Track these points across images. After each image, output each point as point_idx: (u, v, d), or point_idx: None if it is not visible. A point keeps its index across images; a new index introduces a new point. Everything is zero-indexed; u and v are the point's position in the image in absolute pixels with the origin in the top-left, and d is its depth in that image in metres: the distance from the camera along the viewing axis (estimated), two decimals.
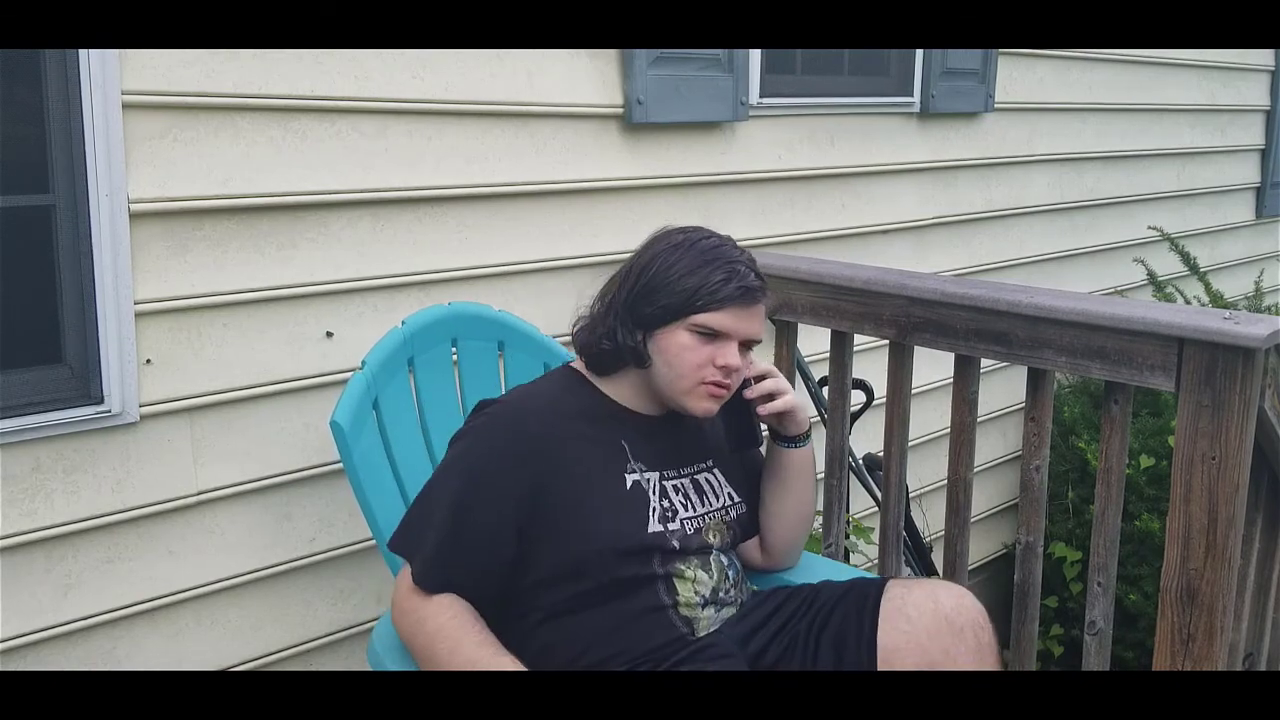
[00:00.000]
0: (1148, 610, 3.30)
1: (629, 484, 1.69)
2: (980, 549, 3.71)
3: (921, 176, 3.36)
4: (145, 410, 1.93)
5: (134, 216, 1.87)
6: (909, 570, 3.07)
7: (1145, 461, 3.45)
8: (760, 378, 1.78)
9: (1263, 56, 4.82)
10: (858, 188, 3.16)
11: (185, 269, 1.95)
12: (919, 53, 3.25)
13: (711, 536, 1.74)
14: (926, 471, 3.32)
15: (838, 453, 2.44)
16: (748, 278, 1.69)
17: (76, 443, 1.87)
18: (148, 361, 1.92)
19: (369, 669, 1.74)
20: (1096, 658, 2.08)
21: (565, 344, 2.32)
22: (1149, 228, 4.19)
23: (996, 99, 3.49)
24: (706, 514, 1.75)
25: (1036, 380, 2.10)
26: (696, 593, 1.68)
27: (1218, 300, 4.02)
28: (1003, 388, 3.38)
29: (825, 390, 2.57)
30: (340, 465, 1.88)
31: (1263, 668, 2.67)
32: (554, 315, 2.45)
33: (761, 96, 2.81)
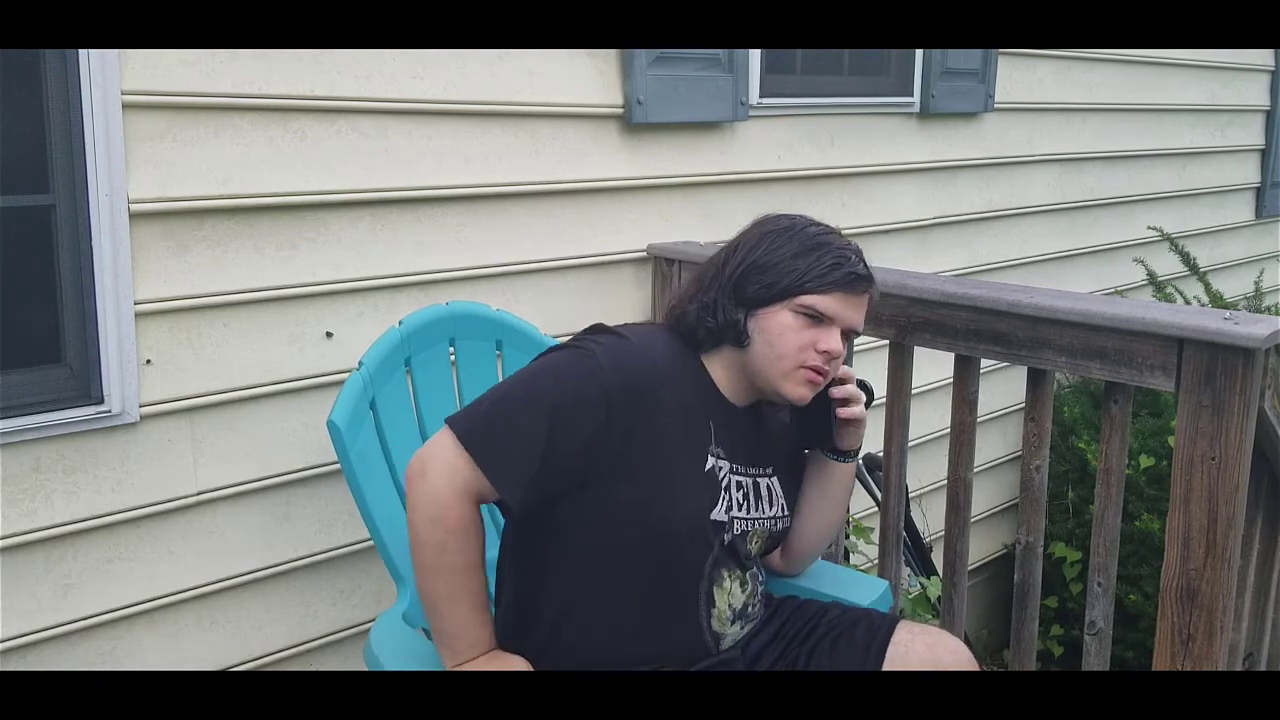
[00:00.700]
0: (1148, 610, 3.30)
1: (709, 465, 1.65)
2: (980, 549, 3.71)
3: (921, 176, 3.36)
4: (145, 410, 1.93)
5: (134, 216, 1.87)
6: (908, 570, 3.07)
7: (1145, 461, 3.45)
8: (843, 381, 1.76)
9: (1262, 56, 4.82)
10: (858, 188, 3.16)
11: (185, 269, 1.95)
12: (919, 53, 3.25)
13: (753, 543, 1.73)
14: (926, 471, 3.32)
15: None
16: (857, 265, 1.67)
17: (76, 443, 1.87)
18: (148, 362, 1.92)
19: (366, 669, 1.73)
20: (1096, 658, 2.08)
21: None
22: (1149, 228, 4.19)
23: (996, 99, 3.49)
24: (758, 520, 1.73)
25: (1036, 380, 2.10)
26: (730, 606, 1.68)
27: (1217, 300, 4.02)
28: (1003, 388, 3.38)
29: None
30: (340, 465, 1.88)
31: (1263, 668, 2.67)
32: (554, 315, 2.45)
33: (761, 96, 2.81)
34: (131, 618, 1.98)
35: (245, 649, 2.13)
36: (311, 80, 2.05)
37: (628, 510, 1.58)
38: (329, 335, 2.14)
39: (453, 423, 1.58)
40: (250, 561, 2.11)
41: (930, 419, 3.21)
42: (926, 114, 3.30)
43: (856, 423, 1.80)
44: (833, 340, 1.65)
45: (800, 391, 1.67)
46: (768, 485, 1.76)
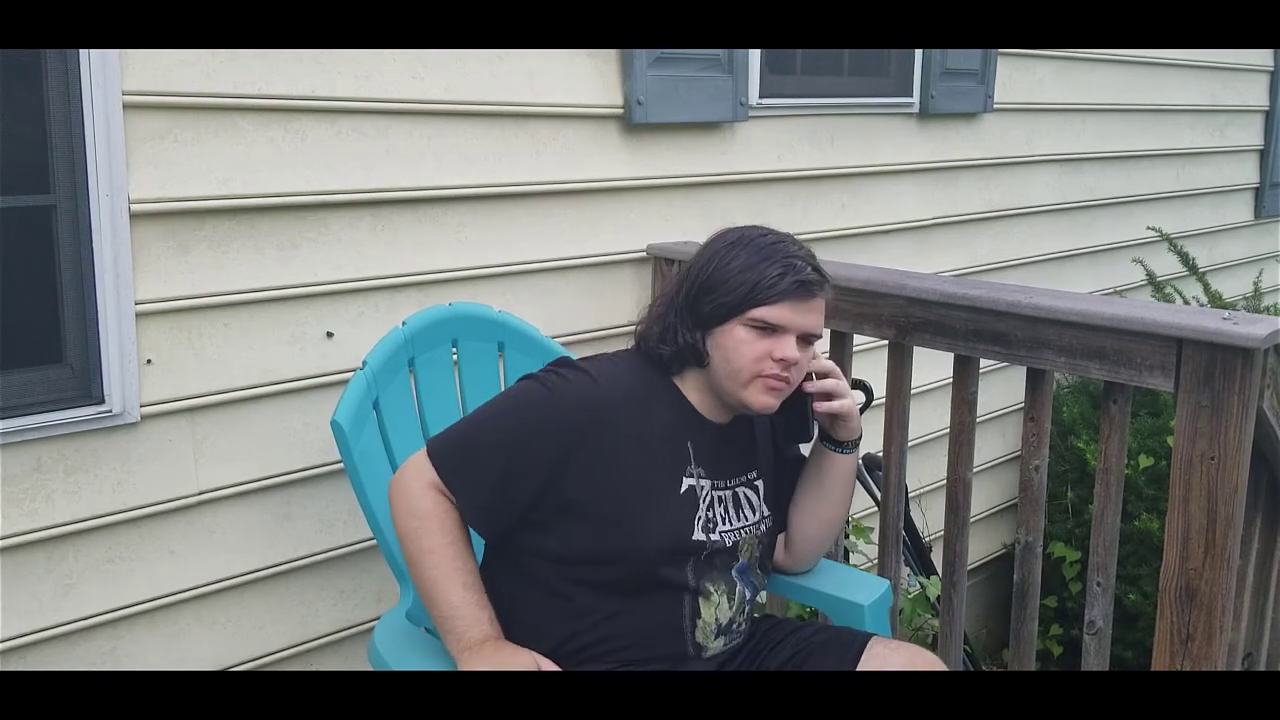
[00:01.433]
0: (1147, 610, 3.30)
1: (684, 488, 1.69)
2: (980, 549, 3.71)
3: (921, 177, 3.36)
4: (146, 410, 1.93)
5: (134, 216, 1.87)
6: (908, 570, 3.07)
7: (1144, 461, 3.45)
8: (823, 375, 1.77)
9: (1262, 57, 4.82)
10: (858, 188, 3.17)
11: (186, 269, 1.95)
12: (918, 53, 3.25)
13: (745, 552, 1.75)
14: (926, 471, 3.32)
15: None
16: (804, 271, 1.67)
17: (77, 443, 1.87)
18: (148, 361, 1.92)
19: (370, 669, 1.74)
20: (1096, 657, 2.08)
21: (565, 345, 2.33)
22: (1148, 228, 4.20)
23: (996, 99, 3.49)
24: (742, 528, 1.75)
25: (1035, 380, 2.10)
26: (716, 619, 1.70)
27: (1216, 300, 4.02)
28: (1002, 388, 3.38)
29: None
30: (341, 465, 1.88)
31: (1262, 667, 2.68)
32: (554, 316, 2.45)
33: (761, 97, 2.82)
34: (132, 618, 1.98)
35: (247, 649, 2.13)
36: (312, 81, 2.05)
37: (596, 539, 1.63)
38: (330, 335, 2.14)
39: (428, 447, 1.69)
40: (251, 561, 2.11)
41: (930, 419, 3.21)
42: (926, 114, 3.30)
43: (844, 416, 1.81)
44: (787, 348, 1.67)
45: (764, 400, 1.69)
46: (745, 493, 1.78)
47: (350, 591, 2.24)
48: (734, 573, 1.73)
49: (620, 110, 2.54)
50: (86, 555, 1.92)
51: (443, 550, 1.61)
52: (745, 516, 1.76)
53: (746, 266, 1.67)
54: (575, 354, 2.27)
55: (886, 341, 2.29)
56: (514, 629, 1.65)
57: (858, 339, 2.41)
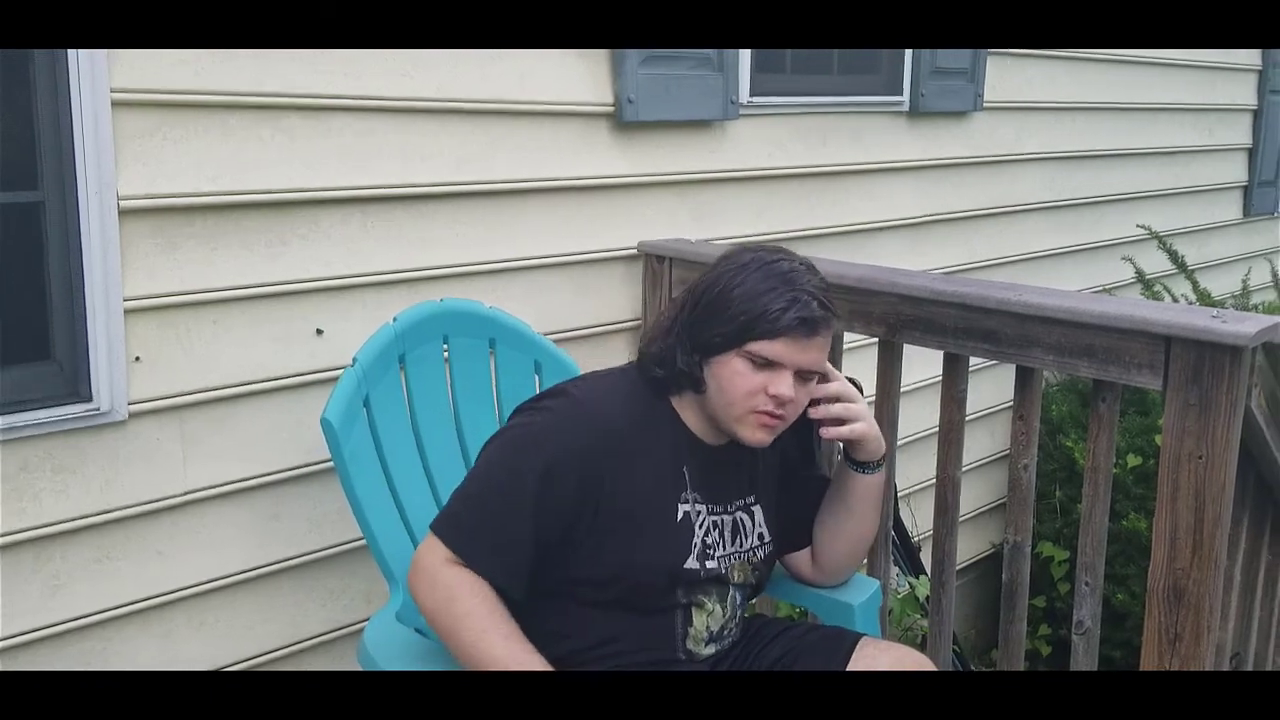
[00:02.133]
0: (1135, 609, 3.31)
1: (679, 515, 1.67)
2: (968, 548, 3.72)
3: (912, 175, 3.37)
4: (134, 408, 1.92)
5: (123, 213, 1.86)
6: (897, 570, 3.08)
7: (1133, 460, 3.46)
8: (833, 400, 1.73)
9: (1250, 56, 4.84)
10: (849, 186, 3.17)
11: (175, 266, 1.94)
12: (908, 52, 3.25)
13: (736, 575, 1.74)
14: (915, 470, 3.32)
15: (825, 452, 2.43)
16: (809, 306, 1.61)
17: (65, 441, 1.87)
18: (137, 359, 1.92)
19: (360, 669, 1.73)
20: (1084, 657, 2.08)
21: (556, 341, 2.32)
22: (1137, 226, 4.21)
23: (985, 98, 3.50)
24: (735, 554, 1.74)
25: (1025, 378, 2.10)
26: (708, 628, 1.70)
27: (1205, 298, 4.04)
28: (991, 386, 3.39)
29: None
30: (331, 464, 1.88)
31: (1249, 667, 2.69)
32: (545, 313, 2.45)
33: (752, 95, 2.82)
34: (123, 618, 1.98)
35: (238, 649, 2.12)
36: (303, 79, 2.04)
37: (591, 564, 1.62)
38: (319, 332, 2.14)
39: (435, 528, 1.63)
40: (241, 561, 2.10)
41: (919, 417, 3.22)
42: (916, 113, 3.30)
43: (858, 440, 1.77)
44: (782, 385, 1.62)
45: (757, 435, 1.66)
46: (742, 518, 1.76)
47: (340, 591, 2.24)
48: (730, 586, 1.73)
49: (611, 108, 2.54)
50: (75, 555, 1.91)
51: (477, 609, 1.55)
52: (741, 543, 1.75)
53: (751, 295, 1.61)
54: (565, 350, 2.27)
55: (876, 339, 2.29)
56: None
57: (847, 337, 2.41)
